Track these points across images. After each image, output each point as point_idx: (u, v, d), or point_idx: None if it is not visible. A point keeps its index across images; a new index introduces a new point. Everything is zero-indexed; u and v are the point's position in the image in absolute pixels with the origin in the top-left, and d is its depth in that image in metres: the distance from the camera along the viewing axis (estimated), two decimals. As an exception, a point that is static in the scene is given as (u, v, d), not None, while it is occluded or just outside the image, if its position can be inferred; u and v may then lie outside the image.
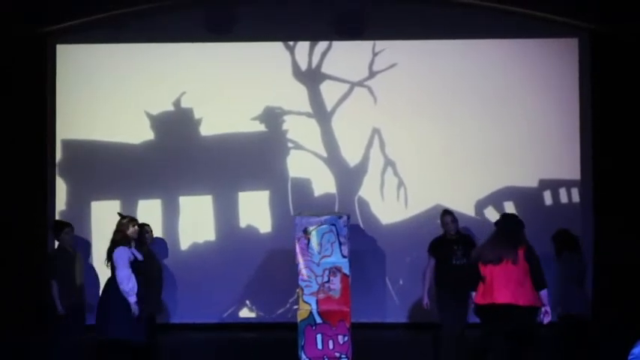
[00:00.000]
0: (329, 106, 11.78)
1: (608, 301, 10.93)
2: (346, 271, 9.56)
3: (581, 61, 11.60)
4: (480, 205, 11.60)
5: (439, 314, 9.89)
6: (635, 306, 10.63)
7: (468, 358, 9.54)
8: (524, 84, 11.61)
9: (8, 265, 11.08)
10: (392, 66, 11.70)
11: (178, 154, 11.74)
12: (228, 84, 11.71)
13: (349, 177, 11.75)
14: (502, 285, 8.67)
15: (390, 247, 11.58)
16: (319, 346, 9.50)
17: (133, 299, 9.13)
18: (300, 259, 9.58)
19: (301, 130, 11.77)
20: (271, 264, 11.46)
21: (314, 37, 11.76)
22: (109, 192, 11.69)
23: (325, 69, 11.79)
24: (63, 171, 11.74)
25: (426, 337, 10.33)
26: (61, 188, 11.73)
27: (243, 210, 11.71)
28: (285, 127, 11.78)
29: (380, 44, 11.70)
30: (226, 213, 11.71)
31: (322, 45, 11.78)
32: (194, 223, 11.68)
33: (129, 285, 9.15)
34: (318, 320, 9.52)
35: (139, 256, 9.40)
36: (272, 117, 11.76)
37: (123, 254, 9.28)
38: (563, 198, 11.59)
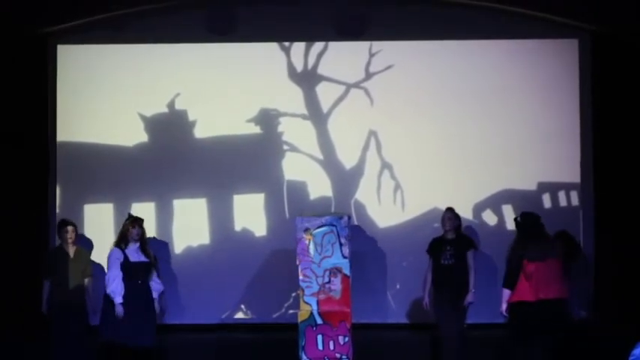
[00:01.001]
0: (325, 108, 11.80)
1: (608, 303, 11.00)
2: (347, 271, 9.66)
3: (582, 62, 11.62)
4: (479, 208, 11.64)
5: (434, 315, 10.02)
6: (636, 307, 10.73)
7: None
8: (523, 85, 11.64)
9: (8, 266, 11.13)
10: (389, 67, 11.73)
11: (174, 156, 11.78)
12: (225, 85, 11.75)
13: (345, 179, 11.78)
14: (551, 281, 9.12)
15: (389, 249, 11.61)
16: (320, 347, 9.61)
17: (116, 300, 9.38)
18: (301, 260, 9.68)
19: (297, 132, 11.79)
20: (267, 266, 11.49)
21: (311, 38, 11.79)
22: (104, 194, 11.73)
23: (321, 70, 11.81)
24: (61, 172, 11.76)
25: (427, 337, 10.42)
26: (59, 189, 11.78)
27: (239, 213, 11.73)
28: (280, 129, 11.80)
29: (377, 45, 11.73)
30: (221, 216, 11.73)
31: (318, 46, 11.81)
32: (189, 225, 11.70)
33: (111, 286, 9.40)
34: (319, 321, 9.63)
35: (134, 257, 9.53)
36: (268, 119, 11.78)
37: (112, 256, 9.52)
38: (563, 201, 11.63)
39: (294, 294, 10.89)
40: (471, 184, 11.63)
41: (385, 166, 11.78)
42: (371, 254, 11.54)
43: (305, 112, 11.82)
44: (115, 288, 9.40)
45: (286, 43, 11.85)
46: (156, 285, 9.66)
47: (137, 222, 9.62)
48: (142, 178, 11.76)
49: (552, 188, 11.65)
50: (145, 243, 9.66)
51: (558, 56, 11.67)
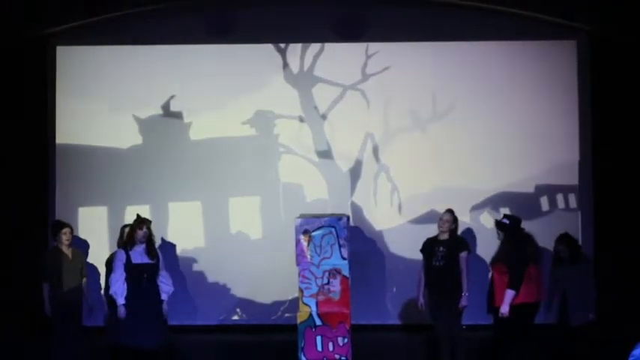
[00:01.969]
0: (322, 110, 11.86)
1: (608, 304, 10.90)
2: (346, 273, 9.70)
3: (580, 63, 11.69)
4: (476, 211, 11.71)
5: (430, 316, 10.04)
6: (635, 308, 10.80)
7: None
8: (521, 87, 11.73)
9: (8, 267, 11.21)
10: (386, 69, 11.79)
11: (171, 158, 11.86)
12: (222, 87, 11.84)
13: (342, 182, 11.84)
14: (541, 283, 9.46)
15: (386, 251, 11.68)
16: (319, 348, 9.65)
17: (119, 301, 9.41)
18: (300, 262, 9.72)
19: (294, 133, 11.87)
20: (266, 268, 11.52)
21: (308, 40, 11.86)
22: (101, 195, 11.82)
23: (318, 72, 11.88)
24: (59, 173, 11.84)
25: (426, 339, 10.45)
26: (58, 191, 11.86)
27: (236, 215, 11.80)
28: (277, 130, 11.87)
29: (374, 46, 11.80)
30: (218, 218, 11.80)
31: (314, 47, 11.88)
32: (185, 227, 11.76)
33: (113, 288, 9.43)
34: (318, 322, 9.67)
35: (138, 259, 9.56)
36: (264, 121, 11.85)
37: (116, 258, 9.57)
38: (561, 203, 11.71)
39: (291, 296, 10.97)
40: (469, 187, 11.71)
41: (382, 167, 11.86)
42: (369, 256, 11.61)
43: (301, 113, 11.88)
44: (117, 289, 9.45)
45: (282, 45, 11.91)
46: (165, 286, 9.67)
47: (144, 223, 9.63)
48: (138, 180, 11.84)
49: (550, 190, 11.72)
50: (151, 244, 9.67)
51: (556, 58, 11.75)
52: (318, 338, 9.67)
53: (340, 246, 9.72)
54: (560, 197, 11.70)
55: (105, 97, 11.86)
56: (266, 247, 11.60)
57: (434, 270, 9.84)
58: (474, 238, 11.34)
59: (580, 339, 9.90)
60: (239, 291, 11.74)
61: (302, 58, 11.94)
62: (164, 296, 9.65)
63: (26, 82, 11.55)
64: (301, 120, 11.87)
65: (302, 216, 9.93)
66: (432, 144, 11.81)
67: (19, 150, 11.48)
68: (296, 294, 9.92)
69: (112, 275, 9.56)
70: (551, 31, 11.69)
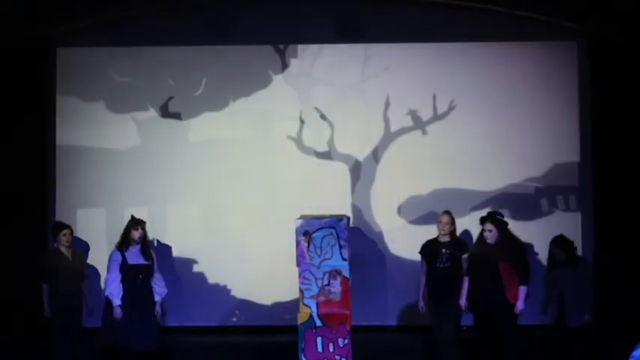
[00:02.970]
0: (321, 110, 11.87)
1: (608, 305, 11.07)
2: (346, 274, 9.73)
3: (580, 65, 11.71)
4: (476, 212, 11.47)
5: (431, 317, 10.11)
6: (635, 310, 10.87)
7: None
8: (521, 88, 11.73)
9: (8, 267, 11.25)
10: (386, 69, 11.81)
11: (170, 158, 11.87)
12: (222, 87, 11.87)
13: (342, 183, 11.86)
14: None
15: (387, 252, 11.72)
16: (319, 349, 9.68)
17: (114, 302, 9.52)
18: (300, 262, 9.76)
19: (293, 134, 11.87)
20: (266, 268, 11.56)
21: (308, 41, 11.89)
22: (101, 196, 11.84)
23: (318, 73, 11.90)
24: (59, 175, 11.87)
25: (427, 340, 10.46)
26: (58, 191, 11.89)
27: (236, 215, 11.79)
28: (276, 131, 11.88)
29: (374, 47, 11.82)
30: (218, 218, 11.81)
31: (315, 48, 11.90)
32: (186, 228, 11.77)
33: (109, 289, 9.54)
34: (319, 323, 9.70)
35: (133, 260, 9.65)
36: (263, 121, 11.87)
37: (111, 258, 9.65)
38: (561, 205, 11.71)
39: (291, 297, 10.94)
40: (469, 188, 11.74)
41: (382, 168, 11.87)
42: (370, 256, 11.64)
43: (302, 114, 11.90)
44: (113, 290, 9.55)
45: (282, 46, 11.93)
46: (158, 288, 9.78)
47: (139, 224, 9.75)
48: (138, 181, 11.84)
49: (550, 191, 11.74)
50: (146, 245, 9.80)
51: (556, 59, 11.77)
52: (319, 339, 9.71)
53: (341, 247, 9.75)
54: (560, 198, 11.71)
55: (105, 98, 11.90)
56: (266, 248, 11.59)
57: (439, 272, 9.93)
58: (473, 239, 11.31)
59: (577, 340, 9.95)
60: (239, 292, 11.76)
61: (302, 58, 11.96)
62: (157, 298, 9.75)
63: (26, 83, 11.57)
64: (301, 120, 11.88)
65: (302, 217, 9.95)
66: (432, 145, 11.83)
67: (19, 151, 11.52)
68: (296, 295, 9.94)
69: (108, 276, 9.67)
70: (551, 32, 11.70)
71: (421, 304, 10.15)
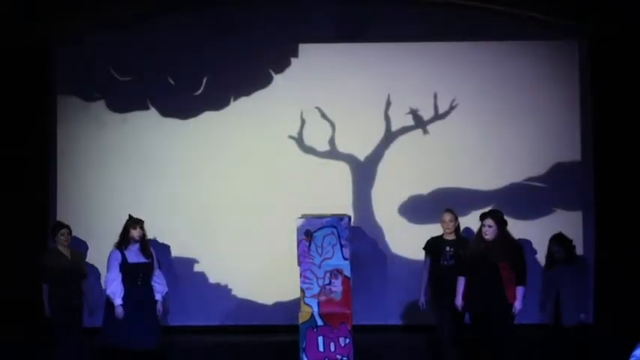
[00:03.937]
0: (322, 110, 11.90)
1: (609, 304, 11.14)
2: (347, 273, 9.79)
3: (581, 64, 11.73)
4: (477, 211, 11.11)
5: (433, 315, 10.17)
6: (636, 310, 10.88)
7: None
8: (522, 88, 11.75)
9: (8, 267, 11.29)
10: (387, 69, 11.83)
11: (170, 158, 11.90)
12: (221, 87, 11.90)
13: (343, 182, 11.89)
14: None
15: (388, 251, 11.74)
16: (321, 349, 9.75)
17: (116, 302, 9.54)
18: (302, 262, 9.82)
19: (294, 134, 11.90)
20: (267, 267, 11.59)
21: (308, 40, 11.93)
22: (102, 197, 11.87)
23: (318, 72, 11.91)
24: (59, 174, 11.92)
25: (428, 339, 10.55)
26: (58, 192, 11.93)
27: (237, 214, 11.80)
28: (276, 131, 11.90)
29: (376, 46, 11.85)
30: (219, 218, 11.82)
31: (315, 47, 11.93)
32: (187, 227, 11.79)
33: (110, 288, 9.56)
34: (320, 322, 9.77)
35: (133, 259, 9.69)
36: (263, 121, 11.89)
37: (111, 258, 9.68)
38: (562, 204, 11.73)
39: (293, 297, 10.91)
40: (470, 187, 11.77)
41: (383, 167, 11.91)
42: (371, 256, 11.67)
43: (302, 113, 11.91)
44: (115, 289, 9.59)
45: (282, 45, 11.96)
46: (159, 286, 9.84)
47: (138, 223, 9.79)
48: (138, 180, 11.88)
49: (551, 191, 11.76)
50: (145, 244, 9.85)
51: (557, 58, 11.79)
52: (320, 339, 9.77)
53: (342, 246, 9.82)
54: (561, 197, 11.73)
55: (105, 98, 11.94)
56: (267, 248, 11.61)
57: (443, 269, 9.99)
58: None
59: (577, 340, 10.00)
60: (240, 291, 11.80)
61: (302, 58, 11.98)
62: (158, 296, 9.80)
63: (26, 83, 11.61)
64: (302, 120, 11.91)
65: (303, 216, 10.00)
66: (433, 144, 11.87)
67: (19, 151, 11.55)
68: (297, 294, 10.00)
69: (108, 275, 9.69)
70: (552, 32, 11.72)
71: (422, 300, 10.22)
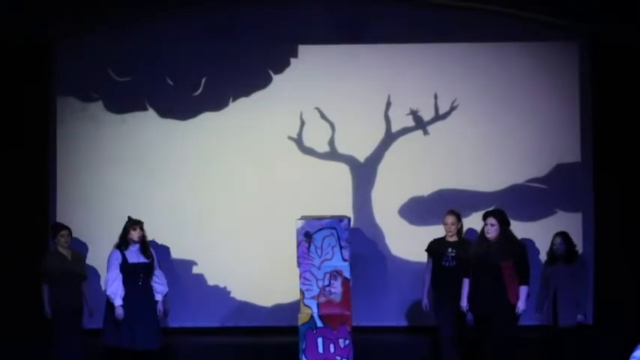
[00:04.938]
0: (322, 111, 11.91)
1: (608, 305, 11.18)
2: (347, 274, 9.79)
3: (582, 65, 11.75)
4: (477, 212, 11.20)
5: (434, 317, 10.21)
6: (636, 310, 10.97)
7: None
8: (523, 88, 11.77)
9: (9, 267, 11.31)
10: (387, 70, 11.85)
11: (169, 159, 11.92)
12: (221, 87, 11.92)
13: (343, 183, 11.90)
14: None
15: (388, 253, 11.77)
16: (320, 350, 9.74)
17: (116, 302, 9.58)
18: (301, 263, 9.82)
19: (293, 134, 11.92)
20: (267, 269, 11.61)
21: (308, 41, 11.94)
22: (102, 197, 11.90)
23: (319, 72, 11.92)
24: (60, 176, 11.94)
25: (428, 340, 10.60)
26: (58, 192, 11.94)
27: (237, 215, 11.82)
28: (276, 131, 11.91)
29: (376, 47, 11.87)
30: (219, 219, 11.84)
31: (316, 48, 11.94)
32: (187, 228, 11.80)
33: (110, 288, 9.60)
34: (319, 324, 9.76)
35: (133, 259, 9.72)
36: (263, 121, 11.89)
37: (111, 258, 9.71)
38: (562, 204, 11.76)
39: (292, 298, 10.97)
40: (470, 188, 11.79)
41: (383, 168, 11.93)
42: (371, 257, 11.70)
43: (302, 114, 11.93)
44: (115, 290, 9.62)
45: (283, 45, 11.97)
46: (159, 287, 9.88)
47: (137, 224, 9.84)
48: (138, 181, 11.89)
49: (551, 191, 11.78)
50: (145, 244, 9.90)
51: (558, 59, 11.81)
52: (320, 340, 9.77)
53: (341, 247, 9.82)
54: (561, 198, 11.76)
55: (104, 98, 11.96)
56: (267, 249, 11.64)
57: (444, 271, 10.04)
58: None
59: (576, 340, 10.03)
60: (239, 293, 11.82)
61: (302, 58, 11.99)
62: (158, 297, 9.85)
63: (26, 83, 11.63)
64: (302, 121, 11.93)
65: (303, 217, 10.01)
66: (433, 145, 11.89)
67: (18, 151, 11.57)
68: (297, 296, 10.01)
69: (108, 275, 9.73)
70: (553, 33, 11.76)
71: (425, 302, 10.27)
